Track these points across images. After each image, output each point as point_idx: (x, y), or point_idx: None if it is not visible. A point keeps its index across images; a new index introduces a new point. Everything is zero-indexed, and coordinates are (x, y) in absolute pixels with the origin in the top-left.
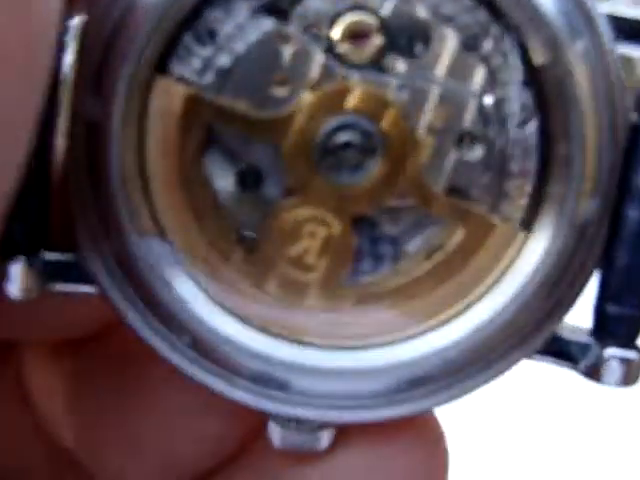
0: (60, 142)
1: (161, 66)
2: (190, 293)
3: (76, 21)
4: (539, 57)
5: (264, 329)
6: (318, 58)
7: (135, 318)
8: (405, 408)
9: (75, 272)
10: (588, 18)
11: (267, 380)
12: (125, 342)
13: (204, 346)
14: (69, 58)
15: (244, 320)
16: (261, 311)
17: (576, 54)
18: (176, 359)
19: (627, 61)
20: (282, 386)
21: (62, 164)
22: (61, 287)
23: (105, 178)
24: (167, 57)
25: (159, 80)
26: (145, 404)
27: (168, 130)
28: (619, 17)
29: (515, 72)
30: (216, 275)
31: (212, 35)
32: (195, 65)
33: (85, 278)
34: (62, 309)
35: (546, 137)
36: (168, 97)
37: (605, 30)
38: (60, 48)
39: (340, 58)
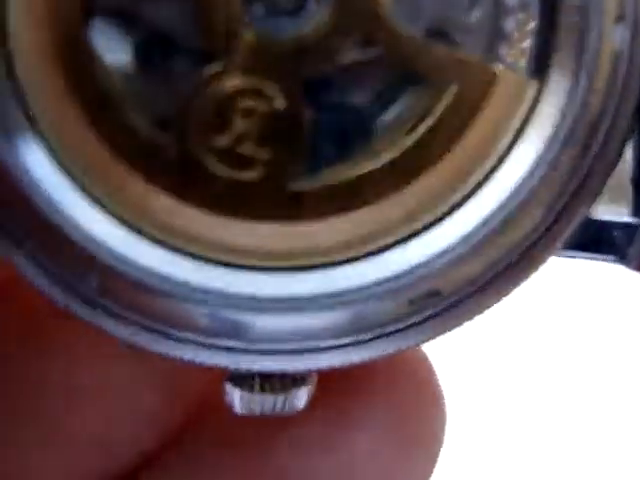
0: None
1: None
2: (86, 215)
3: None
4: None
5: (197, 255)
6: None
7: (22, 262)
8: (397, 342)
9: None
10: None
11: (215, 324)
12: (25, 298)
13: (118, 288)
14: None
15: (168, 245)
16: (189, 230)
17: None
18: (84, 312)
19: None
20: (236, 331)
21: None
22: None
23: None
24: None
25: None
26: (54, 377)
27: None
28: None
29: None
30: (120, 186)
31: None
32: None
33: None
34: None
35: None
36: None
37: None
38: None
39: None
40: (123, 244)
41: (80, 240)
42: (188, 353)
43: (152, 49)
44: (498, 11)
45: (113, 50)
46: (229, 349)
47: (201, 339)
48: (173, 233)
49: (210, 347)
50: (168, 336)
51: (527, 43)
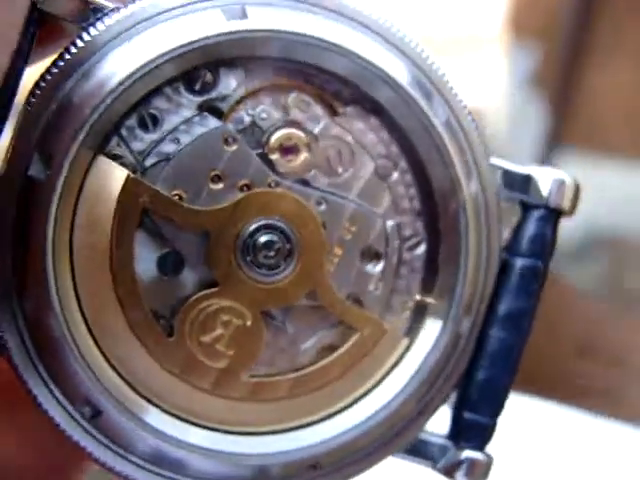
0: None
1: (103, 145)
2: (97, 365)
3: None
4: (438, 191)
5: (166, 409)
6: (254, 162)
7: (37, 386)
8: None
9: None
10: (477, 163)
11: (161, 459)
12: None
13: (104, 419)
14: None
15: (149, 398)
16: (164, 390)
17: (469, 193)
18: (70, 428)
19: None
20: (175, 466)
21: None
22: None
23: (35, 238)
24: (110, 137)
25: (99, 158)
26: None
27: (102, 210)
28: (505, 169)
29: (413, 202)
30: (128, 353)
31: (156, 122)
32: (137, 148)
33: None
34: None
35: (433, 261)
36: (106, 176)
37: (492, 177)
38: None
39: (272, 166)
40: (118, 390)
41: (89, 385)
42: (133, 474)
43: (168, 263)
44: (392, 290)
45: (143, 257)
46: (165, 477)
47: (146, 465)
48: (154, 390)
49: (151, 473)
50: (123, 458)
51: (405, 315)
